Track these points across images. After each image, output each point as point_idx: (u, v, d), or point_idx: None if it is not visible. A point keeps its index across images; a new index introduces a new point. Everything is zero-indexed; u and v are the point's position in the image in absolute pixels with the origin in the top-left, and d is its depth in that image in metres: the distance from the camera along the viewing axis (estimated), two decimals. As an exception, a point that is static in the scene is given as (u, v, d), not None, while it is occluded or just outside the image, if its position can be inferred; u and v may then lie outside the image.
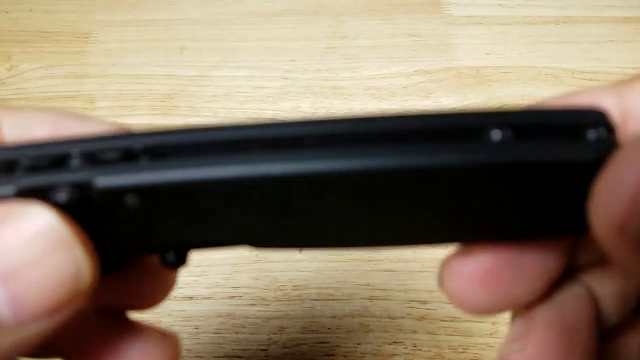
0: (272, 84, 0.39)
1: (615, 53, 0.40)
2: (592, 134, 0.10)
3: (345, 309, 0.31)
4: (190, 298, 0.31)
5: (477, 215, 0.12)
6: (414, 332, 0.30)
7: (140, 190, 0.11)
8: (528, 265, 0.13)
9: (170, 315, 0.30)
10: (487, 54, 0.41)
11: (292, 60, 0.40)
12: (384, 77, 0.40)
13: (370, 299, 0.31)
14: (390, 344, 0.30)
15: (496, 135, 0.10)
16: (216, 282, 0.31)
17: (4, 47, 0.42)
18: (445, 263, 0.14)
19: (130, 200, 0.11)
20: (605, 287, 0.14)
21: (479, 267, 0.13)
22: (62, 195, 0.11)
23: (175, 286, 0.17)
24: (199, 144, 0.11)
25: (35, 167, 0.11)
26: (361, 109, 0.38)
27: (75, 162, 0.11)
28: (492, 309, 0.14)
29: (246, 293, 0.31)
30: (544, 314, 0.14)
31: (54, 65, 0.41)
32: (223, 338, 0.30)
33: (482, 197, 0.11)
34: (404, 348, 0.29)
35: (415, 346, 0.29)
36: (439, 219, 0.12)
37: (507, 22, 0.42)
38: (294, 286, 0.31)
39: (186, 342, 0.30)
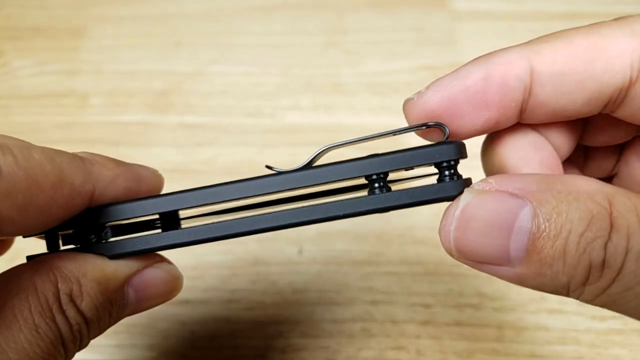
0: (270, 80, 0.38)
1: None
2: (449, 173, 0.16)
3: (346, 313, 0.30)
4: (187, 302, 0.30)
5: None
6: (418, 337, 0.29)
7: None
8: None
9: (165, 319, 0.30)
10: (492, 49, 0.40)
11: (291, 56, 0.39)
12: (387, 73, 0.39)
13: (373, 302, 0.30)
14: (393, 349, 0.29)
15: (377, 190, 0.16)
16: (213, 285, 0.31)
17: (-5, 43, 0.41)
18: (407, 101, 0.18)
19: None
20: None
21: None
22: None
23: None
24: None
25: None
26: (363, 105, 0.37)
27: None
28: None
29: (244, 297, 0.30)
30: None
31: (47, 61, 0.40)
32: (220, 343, 0.29)
33: None
34: (407, 353, 0.29)
35: (418, 351, 0.29)
36: None
37: (513, 17, 0.41)
38: (293, 290, 0.30)
39: (182, 347, 0.29)
